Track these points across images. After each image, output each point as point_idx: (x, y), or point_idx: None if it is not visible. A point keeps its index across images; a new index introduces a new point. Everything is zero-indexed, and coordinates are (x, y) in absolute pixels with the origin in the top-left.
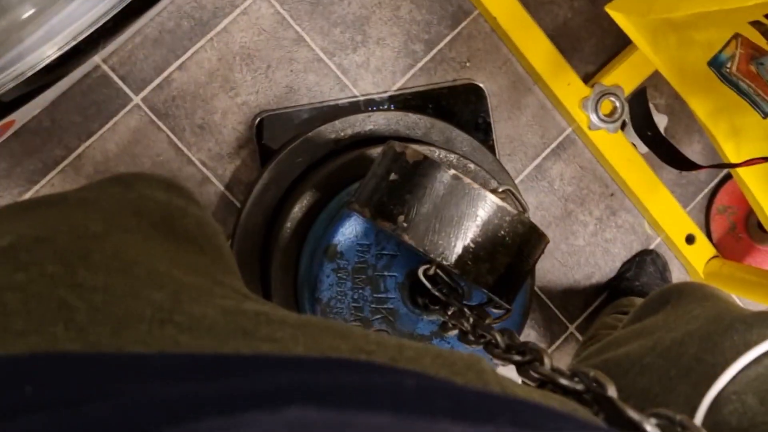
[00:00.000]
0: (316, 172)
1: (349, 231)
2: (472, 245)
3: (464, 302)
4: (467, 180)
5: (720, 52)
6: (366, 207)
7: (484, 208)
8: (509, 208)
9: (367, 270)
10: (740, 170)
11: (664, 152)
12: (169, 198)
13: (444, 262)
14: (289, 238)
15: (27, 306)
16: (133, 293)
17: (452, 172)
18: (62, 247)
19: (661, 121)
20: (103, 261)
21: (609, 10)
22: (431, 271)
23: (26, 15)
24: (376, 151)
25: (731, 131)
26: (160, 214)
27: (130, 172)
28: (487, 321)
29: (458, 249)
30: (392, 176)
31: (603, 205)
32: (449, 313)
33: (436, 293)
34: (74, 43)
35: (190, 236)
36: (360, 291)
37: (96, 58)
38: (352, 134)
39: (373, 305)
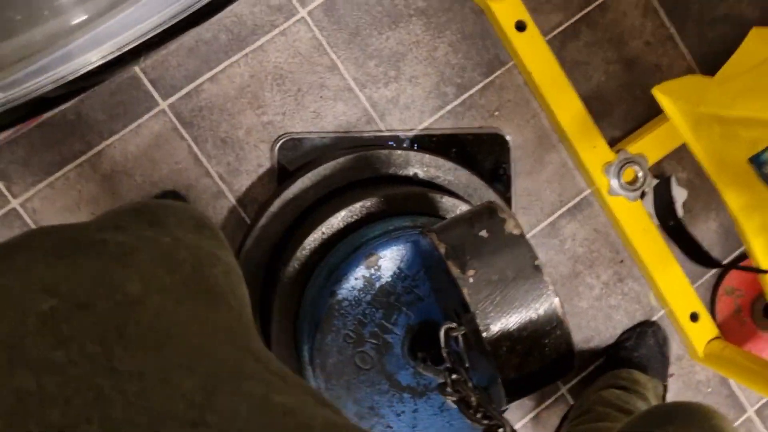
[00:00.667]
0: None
1: (398, 253)
2: (515, 334)
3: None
4: (546, 277)
5: (763, 151)
6: (444, 243)
7: (545, 310)
8: (566, 323)
9: (391, 296)
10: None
11: (684, 244)
12: (199, 241)
13: (484, 334)
14: (317, 246)
15: (64, 392)
16: (166, 380)
17: (537, 262)
18: (101, 317)
19: (680, 195)
20: (139, 336)
21: (657, 93)
22: (455, 333)
23: (77, 21)
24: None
25: (762, 228)
26: (191, 264)
27: (162, 203)
28: (493, 406)
29: (503, 329)
30: (483, 233)
31: (611, 270)
32: (451, 378)
33: (445, 354)
34: (119, 53)
35: (218, 290)
36: (373, 309)
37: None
38: (373, 169)
39: (375, 329)
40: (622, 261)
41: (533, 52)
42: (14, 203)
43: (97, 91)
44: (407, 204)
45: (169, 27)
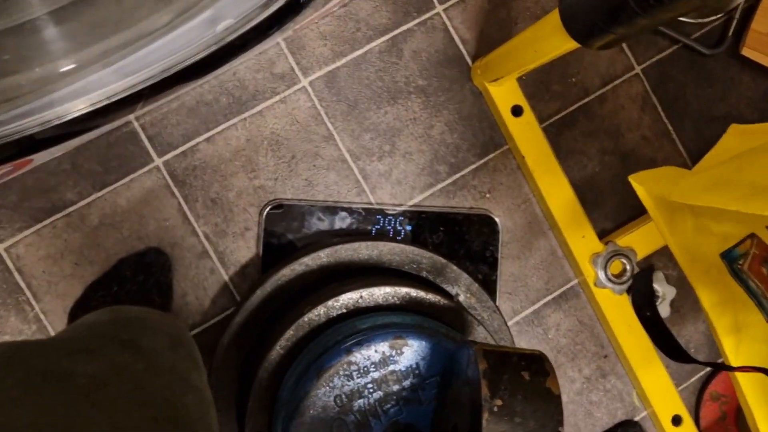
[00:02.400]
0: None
1: (425, 350)
2: None
3: None
4: None
5: (734, 247)
6: (487, 362)
7: None
8: None
9: (396, 385)
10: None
11: (659, 336)
12: (173, 361)
13: None
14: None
15: None
16: None
17: (561, 429)
18: None
19: (669, 292)
20: None
21: (633, 181)
22: None
23: (65, 68)
24: (382, 291)
25: (733, 327)
26: (163, 396)
27: (140, 315)
28: None
29: None
30: (525, 374)
31: (594, 365)
32: None
33: None
34: (106, 102)
35: (189, 420)
36: (374, 387)
37: (130, 115)
38: (351, 261)
39: (365, 407)
40: (606, 356)
41: (528, 137)
42: None
43: (94, 142)
44: (448, 315)
45: (157, 82)
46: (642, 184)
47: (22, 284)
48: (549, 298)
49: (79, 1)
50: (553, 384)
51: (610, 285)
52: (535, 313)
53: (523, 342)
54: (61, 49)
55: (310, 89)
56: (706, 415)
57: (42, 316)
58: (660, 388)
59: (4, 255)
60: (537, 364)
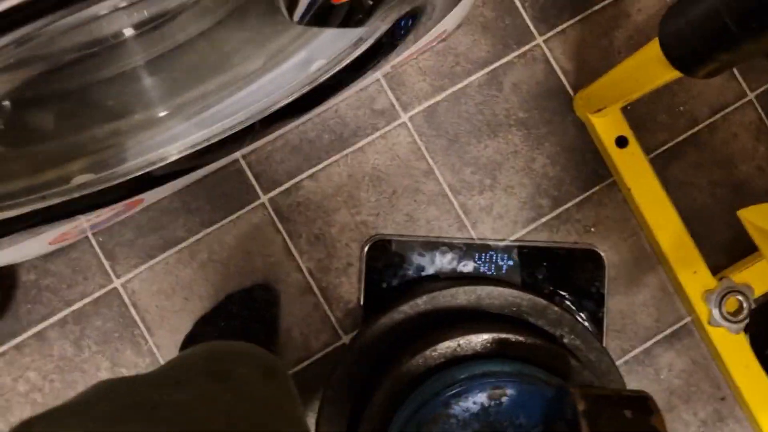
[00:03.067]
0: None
1: (525, 398)
2: None
3: None
4: None
5: None
6: (586, 403)
7: None
8: None
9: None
10: None
11: None
12: (265, 391)
13: None
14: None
15: None
16: None
17: None
18: None
19: None
20: None
21: (742, 216)
22: None
23: (161, 114)
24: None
25: None
26: (252, 423)
27: (235, 350)
28: None
29: None
30: (627, 413)
31: (711, 408)
32: None
33: None
34: (206, 144)
35: None
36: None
37: (237, 153)
38: (450, 306)
39: None
40: (723, 398)
41: (633, 168)
42: (116, 283)
43: (202, 182)
44: (549, 359)
45: (257, 122)
46: (753, 219)
47: (137, 318)
48: (660, 336)
49: (176, 48)
50: (658, 422)
51: (725, 324)
52: (646, 353)
53: (633, 383)
54: (160, 101)
55: (410, 124)
56: None
57: (155, 350)
58: None
59: (121, 290)
60: (641, 404)
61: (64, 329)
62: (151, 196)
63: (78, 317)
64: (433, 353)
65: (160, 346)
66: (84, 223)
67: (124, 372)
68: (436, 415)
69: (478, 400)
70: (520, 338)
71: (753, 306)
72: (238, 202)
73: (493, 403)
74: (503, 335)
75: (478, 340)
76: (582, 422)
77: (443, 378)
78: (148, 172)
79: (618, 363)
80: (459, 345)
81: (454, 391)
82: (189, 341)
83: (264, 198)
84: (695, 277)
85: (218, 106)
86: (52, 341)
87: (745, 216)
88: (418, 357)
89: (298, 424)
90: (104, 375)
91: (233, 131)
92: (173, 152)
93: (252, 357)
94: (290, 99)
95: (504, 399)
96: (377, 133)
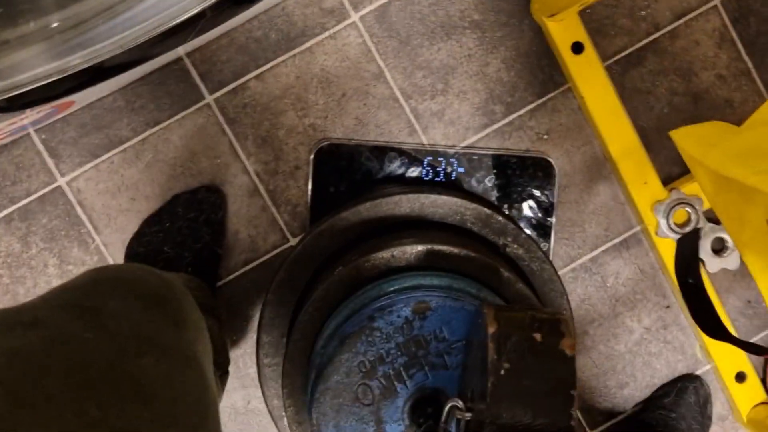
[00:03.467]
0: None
1: (450, 314)
2: None
3: None
4: (575, 412)
5: None
6: (497, 324)
7: None
8: None
9: (421, 350)
10: None
11: (698, 308)
12: (139, 324)
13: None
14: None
15: None
16: None
17: (573, 391)
18: None
19: (733, 259)
20: None
21: (674, 137)
22: (460, 415)
23: None
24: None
25: None
26: (106, 360)
27: (121, 275)
28: None
29: None
30: (537, 335)
31: (655, 315)
32: None
33: (441, 430)
34: (162, 29)
35: (140, 383)
36: (398, 353)
37: (180, 50)
38: (393, 215)
39: (390, 371)
40: (668, 306)
41: (589, 75)
42: (60, 181)
43: (146, 80)
44: (482, 271)
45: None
46: (682, 143)
47: (83, 217)
48: (609, 245)
49: None
50: (567, 346)
51: (672, 235)
52: (593, 260)
53: (579, 289)
54: None
55: (360, 25)
56: None
57: (103, 248)
58: (724, 343)
59: (66, 188)
60: (552, 325)
61: (9, 226)
62: (82, 97)
63: (24, 214)
64: (366, 264)
65: (107, 245)
66: (17, 122)
67: (71, 270)
68: (361, 329)
69: (402, 313)
70: (454, 250)
71: (702, 219)
72: (183, 102)
73: (417, 317)
74: (437, 247)
75: (412, 251)
76: (489, 345)
77: (372, 291)
78: (110, 59)
79: (564, 270)
80: (393, 256)
81: (379, 305)
82: (136, 241)
83: (209, 98)
84: (646, 187)
85: None
86: None
87: (676, 138)
88: (351, 267)
89: (178, 351)
90: (52, 272)
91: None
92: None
93: (135, 284)
94: None
95: (428, 314)
96: (326, 33)
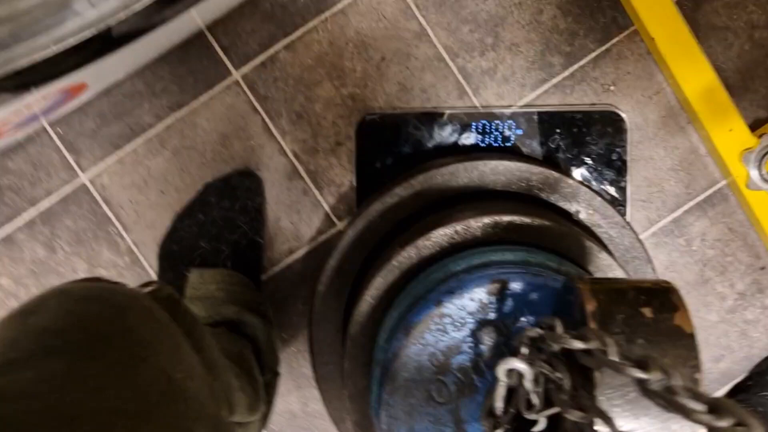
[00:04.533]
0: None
1: (530, 292)
2: None
3: None
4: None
5: None
6: (596, 301)
7: None
8: None
9: (502, 335)
10: None
11: None
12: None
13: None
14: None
15: None
16: None
17: (697, 375)
18: None
19: None
20: None
21: None
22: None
23: None
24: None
25: None
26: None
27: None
28: None
29: None
30: (646, 310)
31: (749, 279)
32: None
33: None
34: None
35: None
36: (474, 341)
37: (200, 23)
38: (449, 187)
39: (466, 364)
40: (763, 268)
41: (658, 14)
42: (83, 178)
43: (166, 59)
44: (560, 242)
45: None
46: None
47: (111, 215)
48: (691, 203)
49: None
50: (683, 320)
51: (766, 186)
52: (675, 222)
53: (662, 256)
54: None
55: None
56: None
57: (134, 248)
58: None
59: (89, 185)
60: (661, 297)
61: (32, 230)
62: (96, 79)
63: (46, 217)
64: (427, 242)
65: (139, 244)
66: (24, 110)
67: (103, 272)
68: (428, 316)
69: (475, 296)
70: (527, 220)
71: None
72: (208, 81)
73: (493, 298)
74: (507, 217)
75: (478, 224)
76: (590, 326)
77: (436, 273)
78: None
79: (645, 235)
80: (456, 231)
81: (447, 288)
82: (169, 238)
83: (236, 74)
84: (731, 135)
85: None
86: (22, 244)
87: None
88: (410, 248)
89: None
90: (83, 276)
91: None
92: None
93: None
94: None
95: (505, 293)
96: None
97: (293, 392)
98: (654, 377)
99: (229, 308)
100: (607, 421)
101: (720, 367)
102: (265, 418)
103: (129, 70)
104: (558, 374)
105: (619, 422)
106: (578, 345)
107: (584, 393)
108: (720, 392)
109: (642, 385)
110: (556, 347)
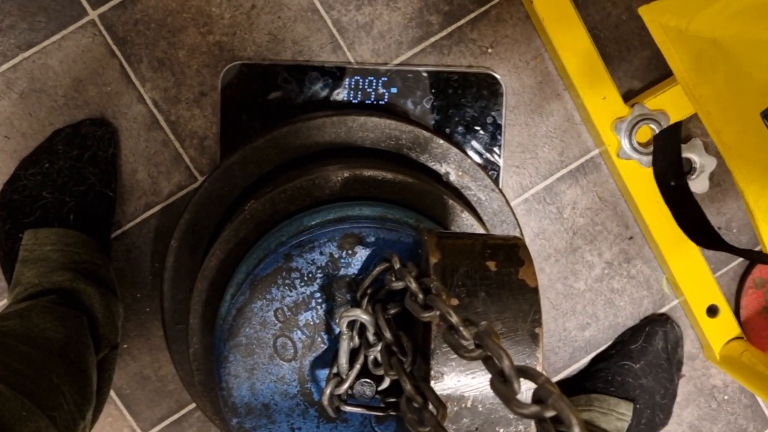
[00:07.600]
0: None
1: (384, 246)
2: (468, 405)
3: None
4: (541, 353)
5: None
6: (440, 253)
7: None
8: None
9: (352, 291)
10: None
11: (685, 214)
12: None
13: (433, 382)
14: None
15: None
16: None
17: (538, 329)
18: None
19: (708, 163)
20: None
21: (644, 14)
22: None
23: None
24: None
25: None
26: None
27: None
28: None
29: (455, 390)
30: (491, 264)
31: (617, 248)
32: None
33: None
34: None
35: None
36: (322, 298)
37: None
38: (316, 142)
39: (314, 321)
40: (631, 238)
41: None
42: None
43: None
44: (421, 200)
45: None
46: (656, 15)
47: None
48: (564, 171)
49: None
50: (528, 275)
51: (636, 156)
52: (547, 189)
53: (533, 222)
54: None
55: None
56: (747, 305)
57: None
58: (694, 274)
59: None
60: (507, 251)
61: None
62: None
63: None
64: (282, 196)
65: None
66: None
67: None
68: (276, 270)
69: (326, 249)
70: (387, 175)
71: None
72: (61, 20)
73: (344, 253)
74: (367, 172)
75: (337, 178)
76: (433, 278)
77: (289, 227)
78: None
79: (516, 201)
80: (314, 185)
81: (298, 241)
82: (9, 186)
83: (93, 14)
84: (604, 103)
85: None
86: None
87: (646, 14)
88: (264, 200)
89: None
90: None
91: None
92: None
93: None
94: None
95: (358, 248)
96: None
97: (146, 355)
98: (455, 320)
99: (62, 275)
100: (436, 403)
101: (585, 335)
102: (101, 405)
103: None
104: (397, 332)
105: (453, 379)
106: (398, 285)
107: (420, 356)
108: (584, 360)
109: (448, 332)
110: (395, 286)
